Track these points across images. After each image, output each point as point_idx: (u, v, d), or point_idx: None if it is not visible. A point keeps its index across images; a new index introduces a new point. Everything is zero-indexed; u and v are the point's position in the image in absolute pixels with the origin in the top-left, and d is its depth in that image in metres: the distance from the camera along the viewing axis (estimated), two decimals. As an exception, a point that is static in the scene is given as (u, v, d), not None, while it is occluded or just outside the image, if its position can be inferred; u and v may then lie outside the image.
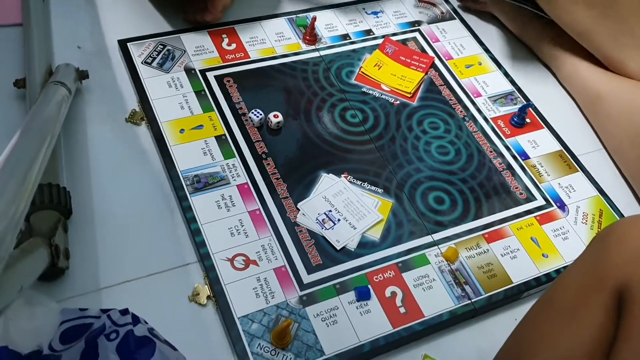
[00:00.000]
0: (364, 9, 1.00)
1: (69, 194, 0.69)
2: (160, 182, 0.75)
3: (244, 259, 0.68)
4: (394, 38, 0.96)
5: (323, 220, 0.72)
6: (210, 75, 0.84)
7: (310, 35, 0.92)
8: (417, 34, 0.98)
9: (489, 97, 0.91)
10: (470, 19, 1.04)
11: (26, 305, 0.54)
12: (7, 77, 0.79)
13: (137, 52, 0.85)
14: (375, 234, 0.73)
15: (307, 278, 0.68)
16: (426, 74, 0.92)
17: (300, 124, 0.82)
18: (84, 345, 0.51)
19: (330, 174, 0.77)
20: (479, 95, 0.91)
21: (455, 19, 1.02)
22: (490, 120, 0.88)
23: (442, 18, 1.02)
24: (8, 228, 0.41)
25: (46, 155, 0.60)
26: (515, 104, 0.91)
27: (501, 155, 0.84)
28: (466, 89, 0.91)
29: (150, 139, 0.79)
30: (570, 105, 0.96)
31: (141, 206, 0.73)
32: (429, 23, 1.00)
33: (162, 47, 0.87)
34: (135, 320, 0.54)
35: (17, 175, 0.50)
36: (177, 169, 0.74)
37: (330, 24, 0.96)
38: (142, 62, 0.84)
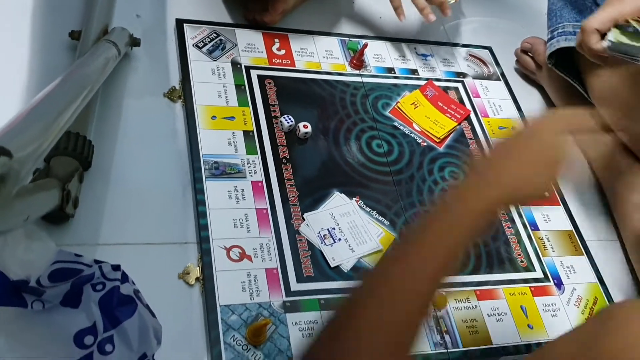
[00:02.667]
0: (415, 48, 1.02)
1: (93, 148, 0.71)
2: (181, 160, 0.77)
3: (240, 251, 0.70)
4: (437, 83, 0.97)
5: (324, 235, 0.74)
6: (254, 74, 0.87)
7: (357, 60, 0.94)
8: (459, 85, 1.00)
9: (513, 162, 0.92)
10: (516, 83, 1.06)
11: (26, 237, 0.56)
12: (64, 27, 0.81)
13: (191, 35, 0.88)
14: (371, 262, 0.74)
15: (295, 286, 0.69)
16: (459, 124, 0.93)
17: (326, 140, 0.84)
18: (69, 288, 0.52)
19: (343, 194, 0.79)
20: (505, 157, 0.92)
21: (499, 80, 1.04)
22: (509, 183, 0.89)
23: (488, 76, 1.04)
24: (32, 154, 0.43)
25: (80, 106, 0.62)
26: (538, 175, 0.91)
27: (512, 220, 0.85)
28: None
29: (182, 117, 0.81)
30: (594, 188, 0.96)
31: (156, 177, 0.74)
32: (474, 78, 1.02)
33: (215, 35, 0.89)
34: (124, 278, 0.55)
35: (46, 117, 0.52)
36: (200, 151, 0.76)
37: (380, 54, 0.98)
38: (193, 45, 0.87)
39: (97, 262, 0.56)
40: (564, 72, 0.95)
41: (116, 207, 0.71)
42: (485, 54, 1.07)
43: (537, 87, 1.07)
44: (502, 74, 1.05)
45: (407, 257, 0.49)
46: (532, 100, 1.05)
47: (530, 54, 1.06)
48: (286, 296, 0.68)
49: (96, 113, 0.74)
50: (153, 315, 0.55)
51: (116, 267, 0.55)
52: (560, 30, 0.92)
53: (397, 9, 0.93)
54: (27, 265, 0.54)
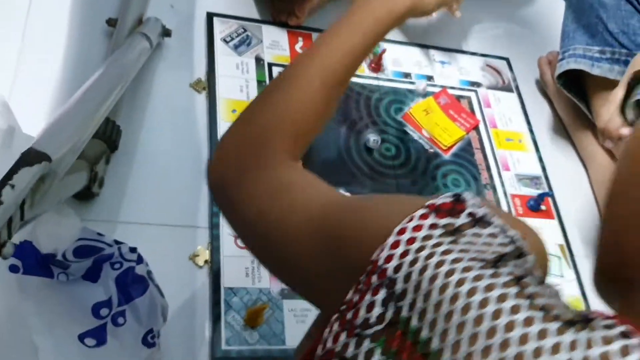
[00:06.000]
0: (434, 55, 1.06)
1: (121, 132, 0.77)
2: (201, 148, 0.83)
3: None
4: (451, 91, 1.02)
5: (327, 231, 0.79)
6: (276, 70, 0.92)
7: (376, 64, 0.98)
8: (473, 94, 1.04)
9: (516, 174, 0.97)
10: (528, 95, 1.09)
11: (55, 214, 0.63)
12: (102, 14, 0.87)
13: (220, 29, 0.93)
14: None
15: (294, 275, 0.75)
16: (467, 133, 0.98)
17: (337, 140, 0.89)
18: (90, 264, 0.59)
19: (347, 193, 0.84)
20: (508, 169, 0.97)
21: (512, 92, 1.08)
22: (509, 195, 0.94)
23: (502, 87, 1.07)
24: (70, 151, 0.49)
25: (113, 101, 0.68)
26: (537, 189, 0.96)
27: (506, 229, 0.90)
28: (498, 160, 0.97)
29: (205, 108, 0.86)
30: (591, 207, 1.00)
31: (176, 163, 0.81)
32: (487, 88, 1.06)
33: (243, 30, 0.95)
34: (140, 260, 0.62)
35: (81, 117, 0.58)
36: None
37: (398, 59, 1.02)
38: (220, 39, 0.92)
39: (117, 242, 0.63)
40: (572, 93, 0.99)
41: (137, 188, 0.77)
42: (502, 65, 1.11)
43: (549, 101, 1.11)
44: (517, 87, 1.09)
45: (315, 50, 0.56)
46: (542, 114, 1.09)
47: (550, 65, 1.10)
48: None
49: (125, 99, 0.80)
50: (162, 295, 0.61)
51: (133, 249, 0.62)
52: (570, 52, 0.96)
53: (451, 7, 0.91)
54: (55, 240, 0.60)
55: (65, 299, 0.57)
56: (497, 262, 0.31)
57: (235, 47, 0.92)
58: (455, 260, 0.30)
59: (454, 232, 0.32)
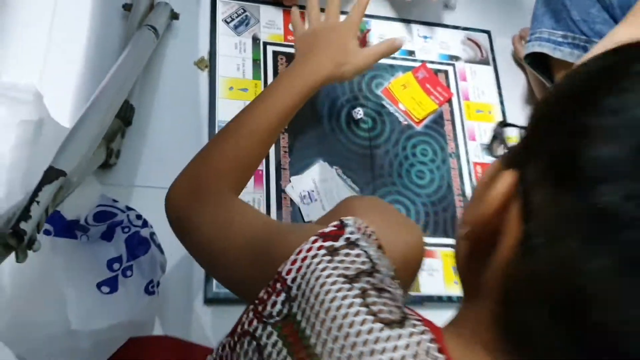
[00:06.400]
0: (418, 30, 1.17)
1: (134, 110, 0.92)
2: (202, 122, 0.97)
3: (237, 203, 0.92)
4: (430, 65, 1.13)
5: (304, 196, 0.95)
6: (270, 49, 1.05)
7: (362, 41, 1.10)
8: (450, 68, 1.15)
9: (481, 144, 1.09)
10: (505, 68, 1.20)
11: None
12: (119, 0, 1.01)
13: (222, 10, 1.06)
14: (338, 221, 0.95)
15: (274, 233, 0.91)
16: (440, 106, 1.10)
17: (320, 115, 1.03)
18: (105, 229, 0.76)
19: (326, 163, 0.99)
20: (474, 139, 1.10)
21: (489, 64, 1.19)
22: (471, 163, 1.07)
23: (480, 60, 1.18)
24: (82, 160, 0.64)
25: (130, 86, 0.83)
26: (499, 157, 1.09)
27: (464, 195, 1.04)
28: (466, 131, 1.10)
29: (207, 85, 1.01)
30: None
31: (182, 135, 0.96)
32: (466, 61, 1.17)
33: (242, 11, 1.07)
34: (144, 224, 0.78)
35: (91, 130, 0.73)
36: (216, 118, 0.97)
37: (383, 35, 1.14)
38: (222, 20, 1.05)
39: (128, 208, 0.80)
40: (538, 71, 1.09)
41: (147, 157, 0.93)
42: (483, 38, 1.21)
43: (526, 74, 1.21)
44: (494, 59, 1.19)
45: (255, 107, 0.74)
46: (516, 87, 1.20)
47: (524, 42, 1.20)
48: (266, 241, 0.91)
49: (139, 79, 0.95)
50: (162, 252, 0.78)
51: (139, 216, 0.79)
52: (537, 35, 1.06)
53: None
54: (78, 207, 0.78)
55: (86, 255, 0.75)
56: (355, 277, 0.45)
57: (235, 27, 1.05)
58: (327, 275, 0.45)
59: (332, 252, 0.47)
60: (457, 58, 1.17)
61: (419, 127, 1.08)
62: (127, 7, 1.00)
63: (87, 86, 0.94)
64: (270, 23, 1.08)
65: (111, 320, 0.70)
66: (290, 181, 0.96)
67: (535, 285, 0.38)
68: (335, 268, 0.45)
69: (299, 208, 0.94)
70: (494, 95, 1.16)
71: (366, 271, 0.46)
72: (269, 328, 0.46)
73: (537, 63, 1.10)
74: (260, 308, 0.47)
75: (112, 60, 0.87)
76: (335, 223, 0.49)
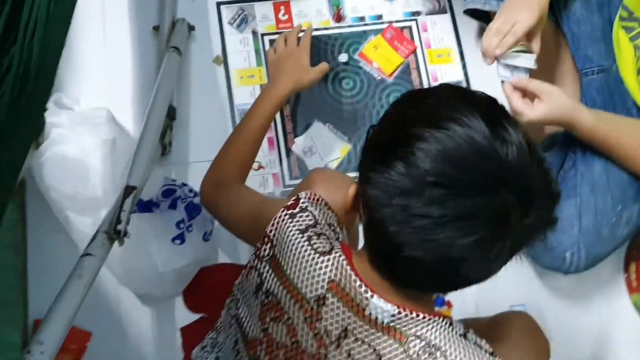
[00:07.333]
0: (385, -5, 1.44)
1: (176, 109, 1.28)
2: (225, 106, 1.32)
3: (259, 164, 1.28)
4: (397, 24, 1.41)
5: (306, 151, 1.30)
6: (266, 39, 1.36)
7: (337, 15, 1.39)
8: (413, 23, 1.43)
9: (441, 83, 1.38)
10: (460, 14, 1.45)
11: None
12: (149, 22, 1.34)
13: (226, 14, 1.37)
14: (333, 166, 1.30)
15: (288, 182, 1.28)
16: (406, 58, 1.39)
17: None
18: (169, 202, 1.15)
19: (319, 122, 1.32)
20: (436, 80, 1.39)
21: (447, 12, 1.45)
22: (435, 101, 1.37)
23: (438, 11, 1.44)
24: (142, 179, 1.01)
25: (168, 102, 1.18)
26: (458, 92, 1.38)
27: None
28: (429, 75, 1.39)
29: (224, 77, 1.34)
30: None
31: (211, 120, 1.31)
32: (426, 14, 1.44)
33: (241, 11, 1.38)
34: (195, 195, 1.16)
35: (157, 123, 1.09)
36: (234, 102, 1.31)
37: (356, 6, 1.42)
38: (227, 22, 1.36)
39: (183, 184, 1.18)
40: (482, 20, 1.35)
41: (190, 140, 1.29)
42: (441, -11, 1.46)
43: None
44: (450, 7, 1.45)
45: (244, 122, 1.09)
46: (472, 29, 1.45)
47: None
48: (283, 188, 1.27)
49: (176, 84, 1.30)
50: (209, 211, 1.16)
51: (191, 189, 1.16)
52: (472, -7, 1.31)
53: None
54: (150, 189, 1.16)
55: (161, 220, 1.14)
56: (304, 230, 0.81)
57: (238, 26, 1.37)
58: (290, 231, 0.80)
59: (292, 217, 0.82)
60: (418, 13, 1.44)
61: (390, 80, 1.38)
62: (156, 28, 1.33)
63: (137, 95, 1.30)
64: (264, 17, 1.38)
65: (184, 261, 1.10)
66: (295, 142, 1.30)
67: (372, 227, 0.72)
68: (294, 226, 0.81)
69: (303, 161, 1.29)
70: (452, 40, 1.42)
71: (311, 225, 0.82)
72: (264, 263, 0.83)
73: (479, 12, 1.36)
74: (258, 252, 0.84)
75: (151, 72, 1.23)
76: (294, 198, 0.84)
